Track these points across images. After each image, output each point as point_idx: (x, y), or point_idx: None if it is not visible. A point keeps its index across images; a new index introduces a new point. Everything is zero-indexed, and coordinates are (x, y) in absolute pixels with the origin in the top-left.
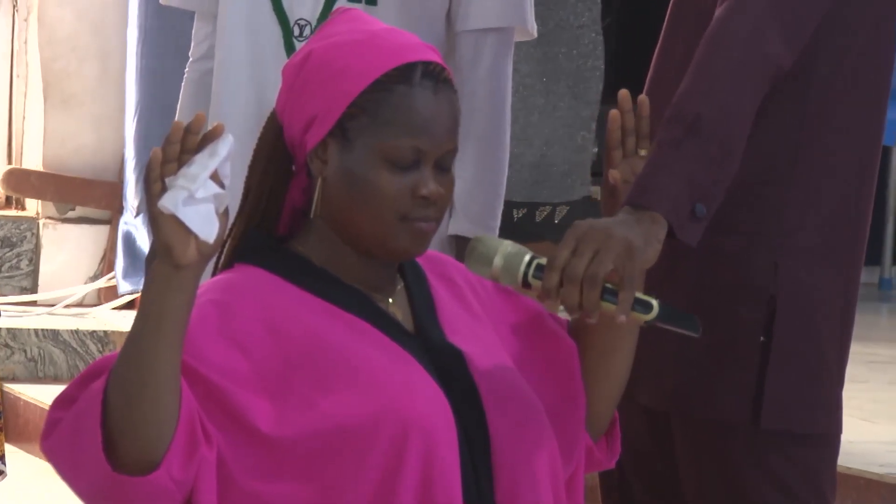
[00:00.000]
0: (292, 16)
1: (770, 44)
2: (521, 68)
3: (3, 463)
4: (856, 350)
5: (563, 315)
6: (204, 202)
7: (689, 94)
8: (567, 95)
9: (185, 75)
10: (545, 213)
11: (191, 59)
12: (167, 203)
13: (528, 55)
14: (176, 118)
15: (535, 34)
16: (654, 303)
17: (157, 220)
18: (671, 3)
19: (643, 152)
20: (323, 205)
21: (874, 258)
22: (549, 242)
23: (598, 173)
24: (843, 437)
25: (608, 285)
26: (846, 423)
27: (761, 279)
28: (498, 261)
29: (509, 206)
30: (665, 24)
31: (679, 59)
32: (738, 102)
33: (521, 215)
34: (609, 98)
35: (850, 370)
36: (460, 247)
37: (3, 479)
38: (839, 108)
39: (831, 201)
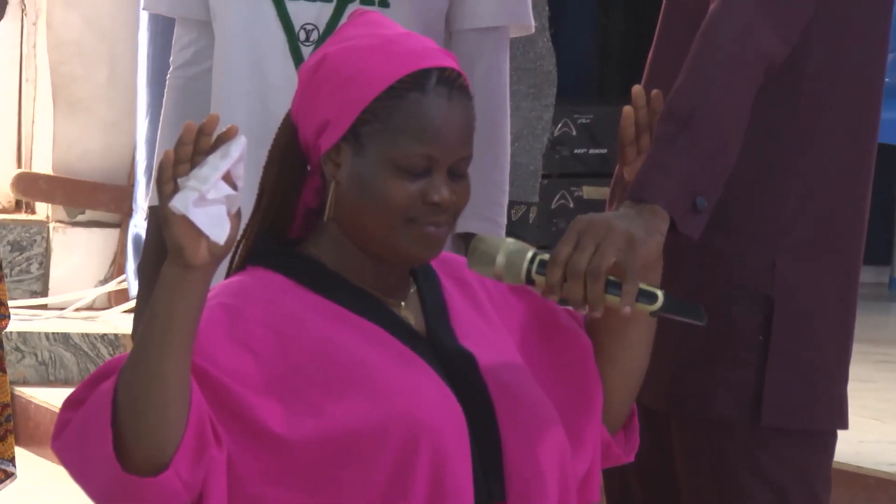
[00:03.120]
0: (298, 20)
1: (762, 38)
2: None
3: (14, 465)
4: (865, 350)
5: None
6: (215, 203)
7: (683, 90)
8: (528, 97)
9: (168, 82)
10: (520, 212)
11: (172, 66)
12: (178, 204)
13: None
14: (160, 126)
15: (533, 29)
16: (659, 293)
17: (168, 220)
18: (664, 2)
19: None
20: (336, 208)
21: (884, 258)
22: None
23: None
24: (853, 437)
25: (612, 278)
26: (855, 423)
27: (758, 278)
28: (500, 259)
29: None
30: (659, 23)
31: (673, 57)
32: (731, 97)
33: None
34: (604, 99)
35: (859, 370)
36: (468, 245)
37: (13, 481)
38: (833, 103)
39: (828, 198)
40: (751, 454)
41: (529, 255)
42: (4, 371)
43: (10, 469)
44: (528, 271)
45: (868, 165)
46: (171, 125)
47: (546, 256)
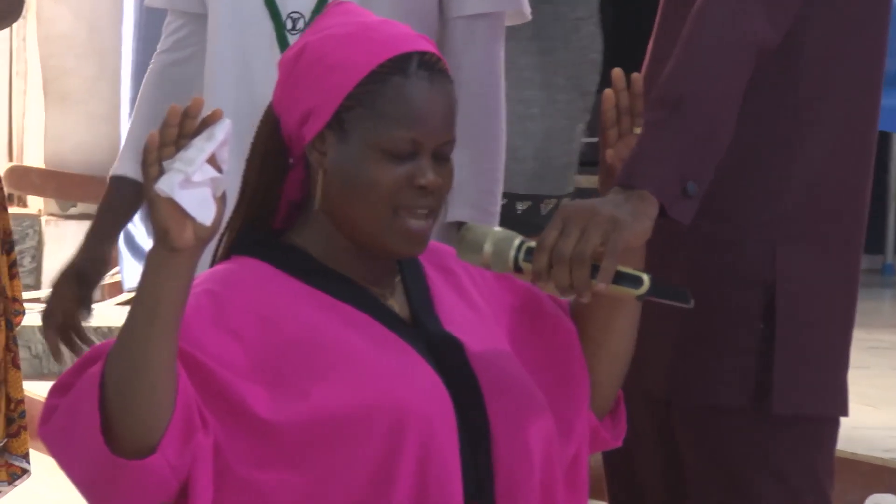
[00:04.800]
0: (284, 9)
1: (753, 22)
2: (518, 62)
3: (28, 461)
4: (858, 336)
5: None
6: (201, 185)
7: (673, 75)
8: (566, 87)
9: (150, 66)
10: (550, 205)
11: (157, 51)
12: (163, 186)
13: (525, 49)
14: (136, 107)
15: (530, 16)
16: (645, 277)
17: (154, 202)
18: None
19: (638, 130)
20: (323, 198)
21: (876, 245)
22: None
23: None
24: (847, 423)
25: (599, 264)
26: (850, 410)
27: (758, 266)
28: (488, 247)
29: (512, 198)
30: (659, 9)
31: (673, 43)
32: (721, 81)
33: (525, 208)
34: (598, 89)
35: (853, 356)
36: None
37: (27, 477)
38: (833, 89)
39: (828, 185)
40: (754, 442)
41: (517, 242)
42: (18, 367)
43: (24, 465)
44: (516, 259)
45: (868, 152)
46: (144, 104)
47: (533, 244)
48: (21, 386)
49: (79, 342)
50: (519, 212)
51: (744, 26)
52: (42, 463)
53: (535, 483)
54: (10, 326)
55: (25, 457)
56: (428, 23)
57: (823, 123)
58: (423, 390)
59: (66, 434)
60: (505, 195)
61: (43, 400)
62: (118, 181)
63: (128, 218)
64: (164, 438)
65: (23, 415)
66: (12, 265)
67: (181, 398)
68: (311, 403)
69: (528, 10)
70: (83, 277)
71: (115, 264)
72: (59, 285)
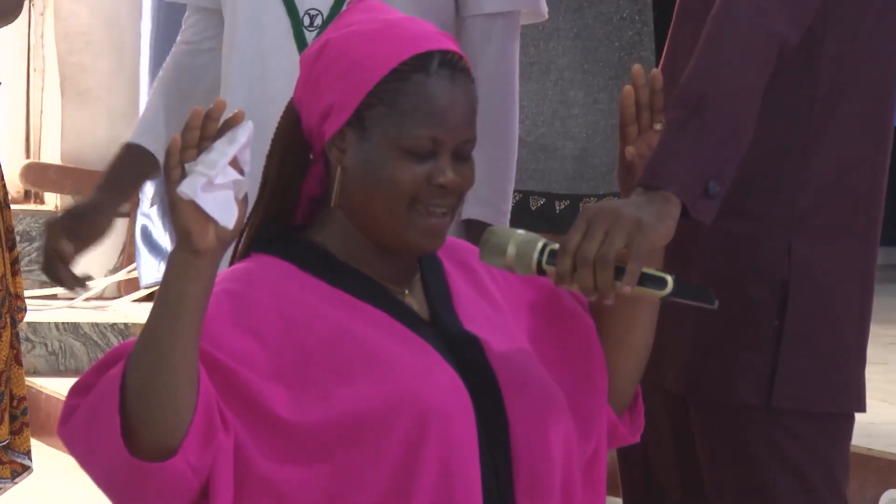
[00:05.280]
0: (302, 6)
1: (773, 21)
2: (559, 62)
3: (30, 458)
4: (875, 332)
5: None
6: (223, 188)
7: (695, 74)
8: (608, 87)
9: (171, 52)
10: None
11: (177, 42)
12: (186, 189)
13: (567, 49)
14: (153, 86)
15: (546, 16)
16: (669, 278)
17: (176, 205)
18: None
19: (658, 126)
20: (342, 195)
21: (894, 239)
22: None
23: None
24: (863, 419)
25: (622, 266)
26: (867, 405)
27: (774, 262)
28: (511, 250)
29: (551, 198)
30: (676, 6)
31: (690, 40)
32: (742, 80)
33: (563, 207)
34: None
35: (870, 352)
36: (471, 231)
37: (29, 474)
38: (851, 87)
39: (845, 182)
40: (770, 438)
41: (539, 245)
42: (21, 364)
43: (26, 462)
44: (539, 261)
45: (885, 149)
46: (161, 83)
47: (556, 246)
48: (23, 383)
49: (63, 275)
50: (558, 211)
51: (765, 25)
52: (60, 461)
53: (555, 481)
54: (14, 323)
55: (27, 454)
56: (444, 20)
57: (841, 120)
58: (444, 390)
59: (86, 434)
60: (543, 195)
61: (59, 396)
62: (131, 148)
63: (134, 185)
64: (185, 439)
65: (25, 412)
66: (15, 262)
67: (202, 399)
68: (332, 403)
69: (544, 9)
70: (76, 213)
71: (132, 260)
72: (52, 220)
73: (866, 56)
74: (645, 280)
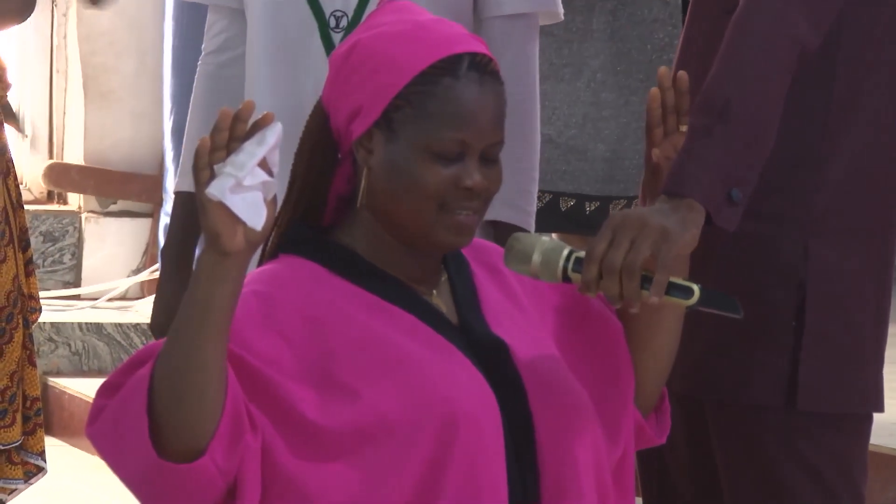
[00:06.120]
0: (328, 7)
1: (796, 25)
2: (591, 63)
3: (44, 459)
4: (891, 332)
5: None
6: (252, 190)
7: (718, 80)
8: (640, 89)
9: (199, 68)
10: (619, 206)
11: (204, 52)
12: (214, 190)
13: (599, 50)
14: (190, 112)
15: (562, 17)
16: (695, 287)
17: (204, 207)
18: None
19: (684, 128)
20: (368, 195)
21: None
22: None
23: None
24: (887, 420)
25: (648, 274)
26: (889, 406)
27: (791, 264)
28: (536, 257)
29: (581, 199)
30: (689, 9)
31: (700, 46)
32: (766, 86)
33: (593, 209)
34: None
35: (889, 352)
36: (497, 232)
37: (43, 475)
38: (867, 89)
39: (861, 184)
40: (788, 439)
41: (565, 252)
42: (34, 365)
43: (39, 463)
44: (565, 269)
45: None
46: (201, 111)
47: (582, 254)
48: (37, 384)
49: None
50: (587, 213)
51: (787, 29)
52: (84, 461)
53: (582, 487)
54: (27, 324)
55: (41, 454)
56: (462, 22)
57: (857, 122)
58: (471, 394)
59: (114, 435)
60: (573, 196)
61: (82, 396)
62: (182, 197)
63: (198, 232)
64: (212, 441)
65: (39, 412)
66: (28, 262)
67: (230, 400)
68: (360, 406)
69: (560, 10)
70: (168, 310)
71: (155, 260)
72: (156, 325)
73: (882, 57)
74: (671, 289)
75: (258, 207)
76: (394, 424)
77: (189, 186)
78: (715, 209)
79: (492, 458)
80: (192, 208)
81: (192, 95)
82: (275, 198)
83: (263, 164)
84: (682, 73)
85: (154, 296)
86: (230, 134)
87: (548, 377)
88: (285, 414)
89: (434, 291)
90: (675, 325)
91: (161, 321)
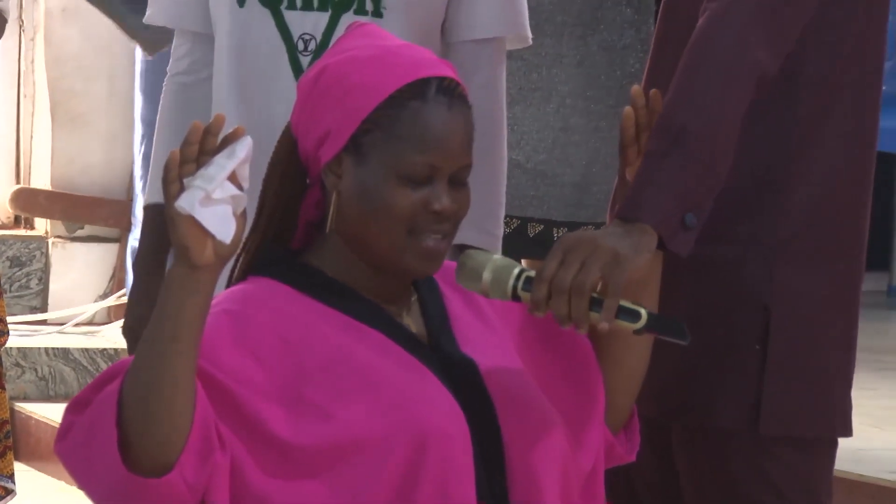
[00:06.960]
0: (296, 31)
1: (754, 50)
2: (560, 89)
3: (13, 482)
4: (864, 357)
5: None
6: (221, 203)
7: (675, 104)
8: (609, 115)
9: (164, 88)
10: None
11: (169, 73)
12: (184, 203)
13: (569, 76)
14: (156, 132)
15: (530, 41)
16: (643, 311)
17: (174, 220)
18: (661, 10)
19: None
20: (337, 219)
21: (882, 265)
22: None
23: None
24: (853, 445)
25: (597, 296)
26: (856, 431)
27: (756, 288)
28: (487, 275)
29: (549, 224)
30: (656, 30)
31: (670, 65)
32: (723, 111)
33: (562, 234)
34: None
35: (858, 377)
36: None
37: (12, 497)
38: (832, 111)
39: (827, 207)
40: (754, 462)
41: (516, 271)
42: (3, 388)
43: (9, 486)
44: (514, 288)
45: (868, 174)
46: (166, 128)
47: (532, 273)
48: (7, 406)
49: None
50: (556, 238)
51: (746, 55)
52: (51, 485)
53: (550, 500)
54: None
55: (11, 477)
56: (431, 47)
57: (822, 145)
58: (442, 413)
59: (83, 451)
60: (541, 221)
61: (49, 421)
62: (152, 209)
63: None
64: (181, 456)
65: (8, 435)
66: None
67: (199, 416)
68: (332, 425)
69: (529, 34)
70: (140, 310)
71: (122, 286)
72: (128, 328)
73: (845, 80)
74: (619, 312)
75: (228, 221)
76: (365, 443)
77: (159, 198)
78: (668, 234)
79: (462, 475)
80: (161, 220)
81: (158, 115)
82: (245, 211)
83: (233, 178)
84: (655, 92)
85: (121, 321)
86: (200, 147)
87: (517, 395)
88: (255, 431)
89: (405, 312)
90: (646, 343)
91: (134, 326)
